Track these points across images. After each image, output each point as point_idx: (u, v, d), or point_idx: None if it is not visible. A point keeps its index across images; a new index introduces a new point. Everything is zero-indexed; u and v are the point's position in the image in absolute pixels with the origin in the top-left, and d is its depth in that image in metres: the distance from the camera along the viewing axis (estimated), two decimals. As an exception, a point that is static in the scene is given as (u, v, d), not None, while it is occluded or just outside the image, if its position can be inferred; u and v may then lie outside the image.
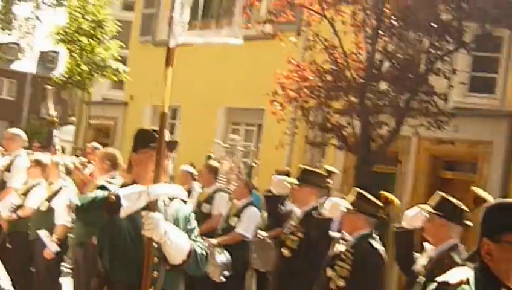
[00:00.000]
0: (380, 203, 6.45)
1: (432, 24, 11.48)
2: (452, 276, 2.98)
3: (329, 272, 6.32)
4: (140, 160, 4.71)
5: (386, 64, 12.03)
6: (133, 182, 4.67)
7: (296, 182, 7.62)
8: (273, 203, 8.03)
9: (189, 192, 10.84)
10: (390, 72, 11.97)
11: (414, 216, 6.03)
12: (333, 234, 6.79)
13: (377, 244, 6.34)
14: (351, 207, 6.40)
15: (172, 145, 4.72)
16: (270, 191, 8.02)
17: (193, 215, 4.87)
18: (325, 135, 13.06)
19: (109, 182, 4.83)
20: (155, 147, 4.55)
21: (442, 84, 12.34)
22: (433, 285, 3.00)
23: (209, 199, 10.83)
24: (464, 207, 5.88)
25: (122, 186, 4.64)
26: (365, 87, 11.93)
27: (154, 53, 20.77)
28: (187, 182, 11.44)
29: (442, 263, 5.66)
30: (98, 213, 4.42)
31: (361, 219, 6.38)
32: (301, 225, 7.38)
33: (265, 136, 16.95)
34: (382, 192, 6.46)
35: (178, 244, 4.53)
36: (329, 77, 12.50)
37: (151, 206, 4.44)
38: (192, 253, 4.61)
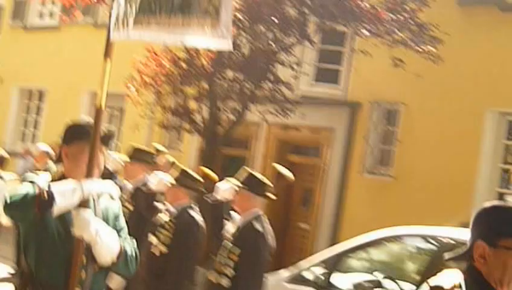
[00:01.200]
0: (200, 179, 7.28)
1: (277, 18, 12.43)
2: (445, 280, 2.85)
3: (153, 239, 7.09)
4: (72, 153, 4.43)
5: (235, 55, 12.92)
6: (63, 176, 4.41)
7: (127, 159, 8.39)
8: (106, 177, 8.64)
9: (46, 170, 11.33)
10: (238, 62, 12.86)
11: (226, 189, 6.85)
12: (158, 205, 7.58)
13: (195, 214, 7.15)
14: (174, 182, 7.19)
15: (107, 139, 4.55)
16: (106, 169, 8.65)
17: (122, 213, 4.65)
18: (177, 119, 13.86)
19: (37, 175, 4.50)
20: (88, 140, 4.32)
21: (289, 74, 13.33)
22: (426, 289, 2.87)
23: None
24: (268, 182, 6.73)
25: (52, 180, 4.36)
26: (214, 75, 12.81)
27: (24, 37, 21.19)
28: (43, 161, 11.95)
29: (247, 229, 6.48)
30: (30, 210, 4.12)
31: (183, 192, 7.18)
32: (131, 198, 8.12)
33: (127, 120, 17.64)
34: (201, 167, 7.27)
35: (108, 244, 4.32)
36: (183, 65, 13.31)
37: (83, 203, 4.22)
38: (122, 253, 4.41)
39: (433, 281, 2.85)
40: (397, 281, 7.53)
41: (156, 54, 13.68)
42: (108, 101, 4.63)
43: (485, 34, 12.82)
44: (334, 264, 7.96)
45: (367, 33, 12.49)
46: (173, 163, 8.89)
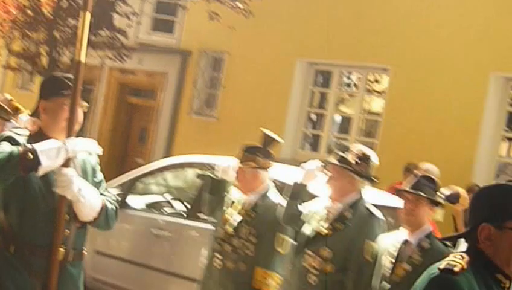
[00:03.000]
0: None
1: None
2: (453, 263, 2.79)
3: None
4: (50, 108, 4.26)
5: (74, 4, 14.33)
6: (40, 132, 4.29)
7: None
8: None
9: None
10: (76, 10, 14.27)
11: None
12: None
13: None
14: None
15: (85, 94, 4.49)
16: None
17: (99, 167, 4.53)
18: (23, 61, 15.21)
19: (17, 133, 4.31)
20: (67, 94, 4.20)
21: (125, 23, 14.85)
22: (435, 272, 2.80)
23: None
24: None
25: (29, 137, 4.25)
26: (56, 22, 14.22)
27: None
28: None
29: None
30: (14, 172, 3.99)
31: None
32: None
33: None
34: (13, 101, 7.86)
35: (91, 201, 4.22)
36: (29, 12, 14.61)
37: (66, 162, 4.11)
38: (103, 209, 4.33)
39: (442, 264, 2.80)
40: (183, 201, 8.36)
41: (4, 2, 14.88)
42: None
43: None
44: (129, 187, 8.68)
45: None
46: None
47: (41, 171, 4.03)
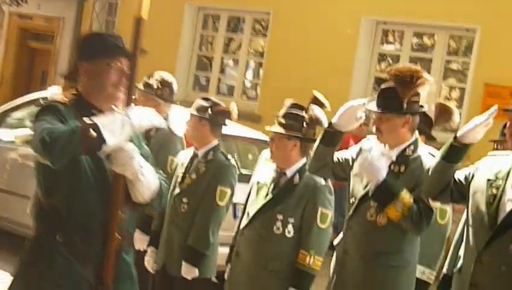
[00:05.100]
0: None
1: None
2: None
3: None
4: (94, 71, 3.61)
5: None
6: (81, 100, 3.65)
7: None
8: None
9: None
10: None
11: None
12: None
13: None
14: None
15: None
16: None
17: (144, 139, 3.97)
18: None
19: (55, 101, 3.65)
20: (116, 54, 3.61)
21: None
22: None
23: None
24: None
25: (70, 106, 3.61)
26: None
27: None
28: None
29: None
30: (75, 152, 3.37)
31: None
32: None
33: None
34: None
35: (149, 180, 3.66)
36: None
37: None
38: (160, 189, 3.77)
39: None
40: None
41: None
42: None
43: None
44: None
45: None
46: None
47: (105, 150, 3.40)
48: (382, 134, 4.59)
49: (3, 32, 17.46)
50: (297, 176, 5.08)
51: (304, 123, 5.08)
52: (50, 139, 3.26)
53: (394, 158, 4.58)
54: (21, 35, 17.44)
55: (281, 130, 5.05)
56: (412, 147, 4.63)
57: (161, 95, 6.43)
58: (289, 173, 5.11)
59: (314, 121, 5.08)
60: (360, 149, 4.81)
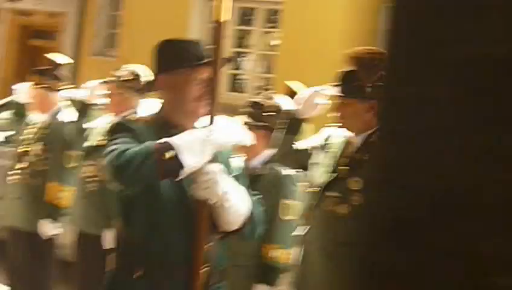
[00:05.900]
0: None
1: None
2: None
3: None
4: (174, 83, 3.32)
5: None
6: (160, 115, 3.38)
7: None
8: None
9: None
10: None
11: None
12: None
13: None
14: None
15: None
16: None
17: (234, 156, 3.54)
18: None
19: (129, 120, 3.44)
20: (199, 64, 3.28)
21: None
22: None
23: None
24: None
25: (146, 125, 3.34)
26: None
27: None
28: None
29: None
30: (150, 178, 3.05)
31: None
32: None
33: None
34: None
35: (238, 206, 3.27)
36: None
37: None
38: (251, 214, 3.36)
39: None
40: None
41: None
42: None
43: None
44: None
45: None
46: None
47: (184, 174, 3.05)
48: (344, 120, 4.33)
49: (3, 30, 16.68)
50: (261, 167, 4.78)
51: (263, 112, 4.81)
52: (121, 161, 2.98)
53: (359, 145, 4.29)
54: (22, 33, 16.66)
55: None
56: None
57: (132, 86, 6.25)
58: (253, 163, 4.80)
59: (274, 109, 4.79)
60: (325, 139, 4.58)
